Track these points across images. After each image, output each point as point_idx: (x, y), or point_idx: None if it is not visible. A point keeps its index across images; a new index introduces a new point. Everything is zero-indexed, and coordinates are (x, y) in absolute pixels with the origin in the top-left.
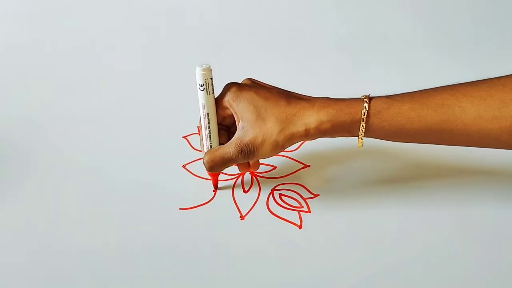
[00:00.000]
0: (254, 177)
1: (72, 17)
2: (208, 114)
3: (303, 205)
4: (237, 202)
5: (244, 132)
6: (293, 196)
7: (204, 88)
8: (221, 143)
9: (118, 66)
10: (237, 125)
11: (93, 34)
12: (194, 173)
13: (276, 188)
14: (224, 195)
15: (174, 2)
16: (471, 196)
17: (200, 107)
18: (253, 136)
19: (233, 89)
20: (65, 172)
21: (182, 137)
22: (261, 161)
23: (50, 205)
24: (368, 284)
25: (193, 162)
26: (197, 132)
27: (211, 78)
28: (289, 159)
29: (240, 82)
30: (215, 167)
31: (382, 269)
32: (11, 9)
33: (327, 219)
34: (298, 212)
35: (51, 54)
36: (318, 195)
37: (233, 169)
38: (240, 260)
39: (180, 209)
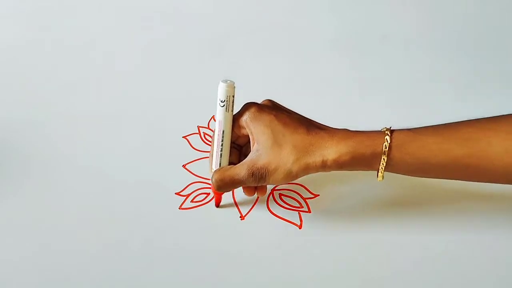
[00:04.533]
0: None
1: (72, 17)
2: (223, 131)
3: (303, 205)
4: (237, 202)
5: (258, 155)
6: (293, 196)
7: (224, 105)
8: (231, 162)
9: (118, 66)
10: (251, 147)
11: (93, 34)
12: (194, 173)
13: (276, 188)
14: (224, 195)
15: (174, 2)
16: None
17: (216, 124)
18: (267, 161)
19: (253, 109)
20: (65, 171)
21: (182, 137)
22: None
23: (50, 205)
24: (368, 284)
25: (193, 162)
26: (197, 132)
27: (233, 96)
28: None
29: (259, 102)
30: (223, 187)
31: (382, 269)
32: (11, 9)
33: (327, 219)
34: (298, 212)
35: (51, 54)
36: (318, 195)
37: None
38: (240, 260)
39: (180, 209)
